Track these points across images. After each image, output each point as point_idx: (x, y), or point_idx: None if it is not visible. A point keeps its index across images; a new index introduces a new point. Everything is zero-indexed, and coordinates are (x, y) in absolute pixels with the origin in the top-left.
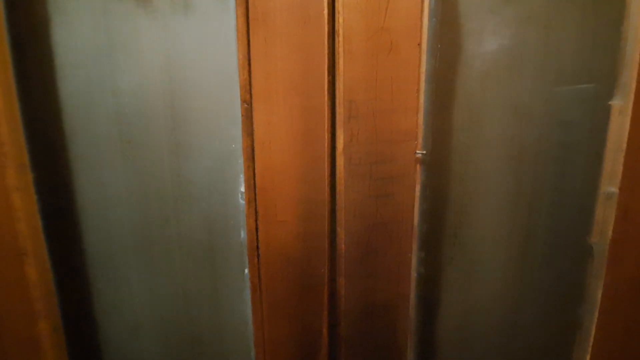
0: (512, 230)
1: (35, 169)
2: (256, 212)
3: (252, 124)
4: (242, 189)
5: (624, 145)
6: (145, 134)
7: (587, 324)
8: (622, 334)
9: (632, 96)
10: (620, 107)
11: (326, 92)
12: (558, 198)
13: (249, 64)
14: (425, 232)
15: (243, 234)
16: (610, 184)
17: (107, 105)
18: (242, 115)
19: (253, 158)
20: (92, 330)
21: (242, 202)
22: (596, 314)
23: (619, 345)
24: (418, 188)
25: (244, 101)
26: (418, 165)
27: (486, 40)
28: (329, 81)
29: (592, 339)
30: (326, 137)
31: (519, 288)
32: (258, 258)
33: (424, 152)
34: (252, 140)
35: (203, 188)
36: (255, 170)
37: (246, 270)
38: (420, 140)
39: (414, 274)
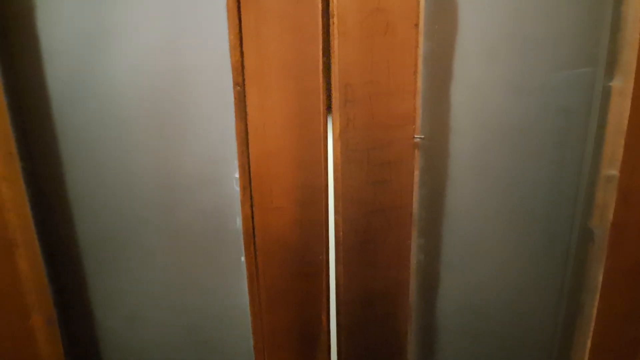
0: (512, 216)
1: (23, 158)
2: (251, 198)
3: (245, 107)
4: (237, 175)
5: (625, 127)
6: (136, 120)
7: (588, 308)
8: (624, 318)
9: (632, 77)
10: (621, 88)
11: (321, 75)
12: (558, 182)
13: (241, 45)
14: (424, 218)
15: (238, 222)
16: (610, 167)
17: (96, 91)
18: (235, 99)
19: (247, 143)
20: (87, 322)
21: (237, 188)
22: (597, 299)
23: (621, 330)
24: (417, 173)
25: (236, 84)
26: (416, 150)
27: (485, 22)
28: (323, 63)
29: (593, 324)
30: (322, 121)
31: (519, 274)
32: (254, 245)
33: (422, 136)
34: (246, 125)
35: (196, 175)
36: (250, 156)
37: (242, 258)
38: (418, 124)
39: (413, 261)
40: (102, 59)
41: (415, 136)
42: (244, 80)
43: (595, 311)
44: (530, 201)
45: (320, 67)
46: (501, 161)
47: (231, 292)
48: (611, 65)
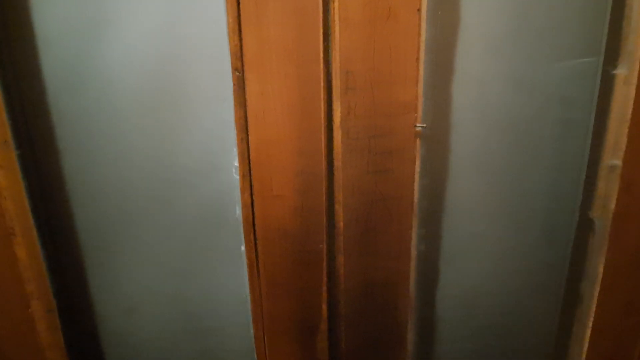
0: (513, 206)
1: (20, 147)
2: (251, 186)
3: (244, 93)
4: (236, 163)
5: (629, 116)
6: (133, 108)
7: (588, 299)
8: (623, 309)
9: (637, 65)
10: (625, 76)
11: (322, 62)
12: (559, 173)
13: (240, 29)
14: (425, 208)
15: (238, 210)
16: (613, 157)
17: (93, 79)
18: (234, 85)
19: (247, 130)
20: (88, 310)
21: (236, 176)
22: (597, 289)
23: (620, 321)
24: (418, 163)
25: (235, 69)
26: (418, 139)
27: (487, 10)
28: (324, 49)
29: (592, 314)
30: (322, 109)
31: (519, 264)
32: (254, 234)
33: (424, 125)
34: (245, 112)
35: (196, 163)
36: (250, 143)
37: (242, 247)
38: (420, 112)
39: (414, 251)
40: (99, 46)
41: (417, 125)
42: (243, 65)
43: (595, 302)
44: (531, 193)
45: (321, 53)
46: (502, 152)
47: (231, 281)
48: (614, 54)
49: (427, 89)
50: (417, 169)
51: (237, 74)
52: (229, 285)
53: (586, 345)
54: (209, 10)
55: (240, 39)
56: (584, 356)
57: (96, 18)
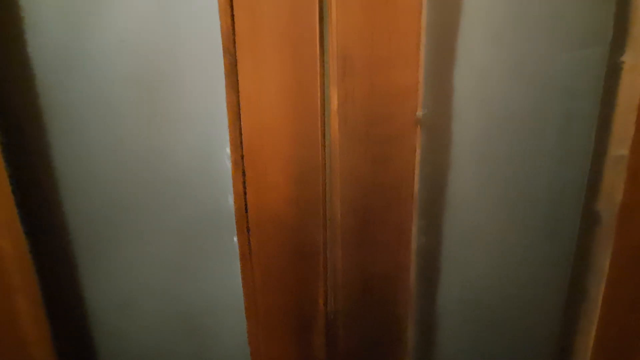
0: (516, 198)
1: (5, 135)
2: (244, 174)
3: (236, 77)
4: (228, 150)
5: (636, 105)
6: (123, 94)
7: (594, 293)
8: (630, 304)
9: None
10: (632, 64)
11: (317, 45)
12: (563, 164)
13: (232, 8)
14: (426, 199)
15: (230, 200)
16: (620, 147)
17: (81, 66)
18: (226, 68)
19: (239, 115)
20: (77, 304)
21: (228, 164)
22: (603, 284)
23: (627, 315)
24: (418, 152)
25: (226, 51)
26: (418, 127)
27: None
28: (320, 32)
29: (599, 309)
30: (318, 94)
31: (522, 257)
32: (247, 225)
33: (425, 112)
34: (238, 96)
35: (185, 151)
36: (242, 129)
37: (235, 239)
38: (420, 99)
39: (414, 244)
40: (87, 32)
41: (418, 112)
42: (235, 47)
43: (601, 297)
44: (535, 184)
45: (317, 35)
46: (505, 142)
47: (223, 274)
48: (621, 41)
49: (428, 75)
50: (418, 157)
51: (229, 56)
52: (221, 278)
53: (592, 340)
54: None
55: (232, 19)
56: (589, 352)
57: (85, 3)
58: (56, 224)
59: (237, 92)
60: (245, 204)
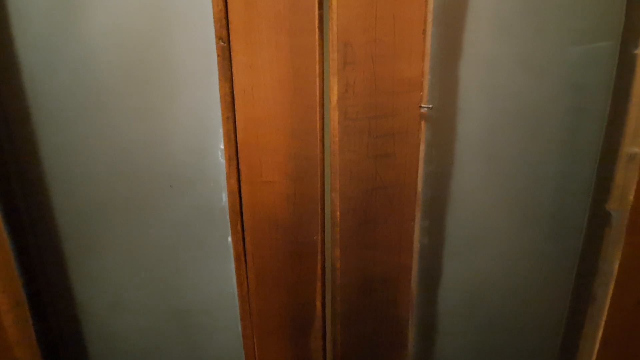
0: (522, 198)
1: None
2: (238, 171)
3: (230, 66)
4: (222, 146)
5: None
6: (112, 85)
7: (601, 296)
8: (638, 307)
9: None
10: None
11: (317, 32)
12: (571, 163)
13: None
14: (430, 198)
15: (224, 198)
16: (633, 144)
17: (70, 54)
18: (219, 56)
19: (233, 108)
20: (68, 303)
21: (222, 160)
22: (611, 287)
23: (635, 319)
24: (423, 147)
25: (219, 38)
26: (423, 122)
27: None
28: (319, 17)
29: (605, 312)
30: (317, 85)
31: (528, 259)
32: (242, 224)
33: (430, 106)
34: (231, 87)
35: (177, 146)
36: (237, 122)
37: (229, 238)
38: (426, 91)
39: (416, 245)
40: (76, 19)
41: (422, 105)
42: (228, 34)
43: (608, 300)
44: (542, 182)
45: (316, 21)
46: (511, 139)
47: (217, 275)
48: (633, 33)
49: (434, 66)
50: (422, 154)
51: (222, 43)
52: (215, 279)
53: (598, 344)
54: None
55: (225, 4)
56: (594, 356)
57: None
58: (45, 222)
59: (231, 82)
60: (240, 202)
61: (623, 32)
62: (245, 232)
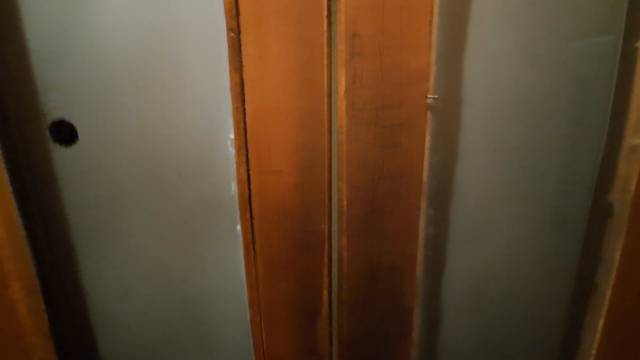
0: (525, 189)
1: (1, 123)
2: (247, 160)
3: (240, 57)
4: (231, 136)
5: None
6: (122, 77)
7: (603, 287)
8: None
9: None
10: None
11: (325, 23)
12: (574, 155)
13: None
14: (435, 187)
15: (233, 187)
16: (635, 136)
17: (80, 46)
18: (229, 47)
19: (243, 98)
20: (77, 293)
21: (232, 150)
22: (613, 277)
23: (636, 310)
24: (428, 138)
25: (230, 29)
26: (429, 112)
27: None
28: (328, 9)
29: (607, 303)
30: (325, 76)
31: (532, 249)
32: (251, 212)
33: (436, 97)
34: (241, 78)
35: (187, 137)
36: (246, 113)
37: (238, 227)
38: (431, 82)
39: (422, 234)
40: (85, 10)
41: (429, 96)
42: (239, 26)
43: (610, 291)
44: (545, 174)
45: (325, 12)
46: (515, 131)
47: (226, 263)
48: (636, 26)
49: (440, 56)
50: (428, 144)
51: (232, 35)
52: (224, 267)
53: (599, 334)
54: None
55: None
56: (595, 346)
57: None
58: (56, 212)
59: (241, 73)
60: (249, 192)
61: (625, 26)
62: (254, 221)
